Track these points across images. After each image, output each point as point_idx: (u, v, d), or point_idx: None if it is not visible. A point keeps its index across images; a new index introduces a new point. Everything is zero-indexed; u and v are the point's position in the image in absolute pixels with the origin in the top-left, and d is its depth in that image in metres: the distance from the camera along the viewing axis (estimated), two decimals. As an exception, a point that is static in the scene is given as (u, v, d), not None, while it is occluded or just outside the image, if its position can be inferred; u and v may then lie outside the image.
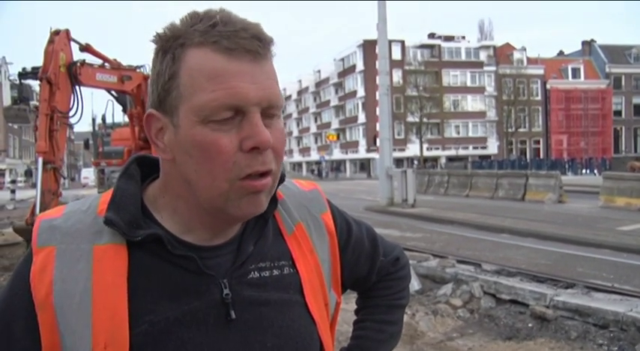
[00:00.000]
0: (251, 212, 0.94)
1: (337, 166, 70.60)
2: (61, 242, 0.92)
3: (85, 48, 10.01)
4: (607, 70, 65.83)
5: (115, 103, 13.51)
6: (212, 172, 0.89)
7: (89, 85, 10.05)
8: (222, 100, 0.87)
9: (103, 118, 24.56)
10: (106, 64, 10.54)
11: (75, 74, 9.30)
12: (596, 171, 42.77)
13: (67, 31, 9.45)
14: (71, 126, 10.04)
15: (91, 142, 27.85)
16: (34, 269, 0.91)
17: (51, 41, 9.10)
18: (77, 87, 9.41)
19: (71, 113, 9.36)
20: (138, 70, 11.14)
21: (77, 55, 9.74)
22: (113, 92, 12.08)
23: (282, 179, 1.02)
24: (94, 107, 47.21)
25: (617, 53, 66.68)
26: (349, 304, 1.35)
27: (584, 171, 45.99)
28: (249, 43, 0.88)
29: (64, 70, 9.12)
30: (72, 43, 9.62)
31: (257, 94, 0.88)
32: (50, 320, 0.89)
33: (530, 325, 6.26)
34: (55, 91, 8.83)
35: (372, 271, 1.24)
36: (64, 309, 0.88)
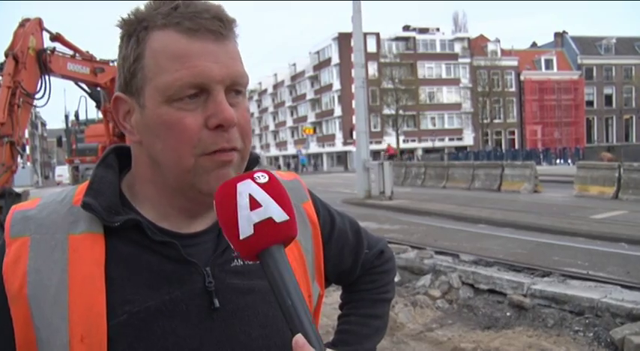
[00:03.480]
0: None
1: (314, 161, 70.40)
2: (36, 232, 0.90)
3: (56, 37, 9.85)
4: (579, 61, 66.74)
5: (89, 99, 13.30)
6: (177, 149, 0.89)
7: (60, 75, 9.85)
8: (186, 79, 0.87)
9: (77, 115, 24.19)
10: (77, 55, 10.37)
11: (45, 62, 9.10)
12: (569, 161, 43.23)
13: (40, 19, 9.29)
14: (35, 107, 9.81)
15: (64, 139, 27.46)
16: (7, 261, 0.88)
17: (22, 25, 8.94)
18: (47, 76, 9.21)
19: (38, 96, 9.13)
20: (111, 64, 10.99)
21: (48, 46, 9.55)
22: (86, 87, 11.90)
23: (256, 161, 1.01)
24: (67, 104, 46.22)
25: (589, 44, 67.60)
26: (328, 297, 1.33)
27: (558, 161, 46.44)
28: (211, 24, 0.89)
29: (33, 53, 8.91)
30: (43, 33, 9.45)
31: (220, 72, 0.89)
32: (24, 314, 0.86)
33: (508, 314, 6.34)
34: (21, 69, 8.59)
35: (356, 264, 1.22)
36: (38, 301, 0.86)
